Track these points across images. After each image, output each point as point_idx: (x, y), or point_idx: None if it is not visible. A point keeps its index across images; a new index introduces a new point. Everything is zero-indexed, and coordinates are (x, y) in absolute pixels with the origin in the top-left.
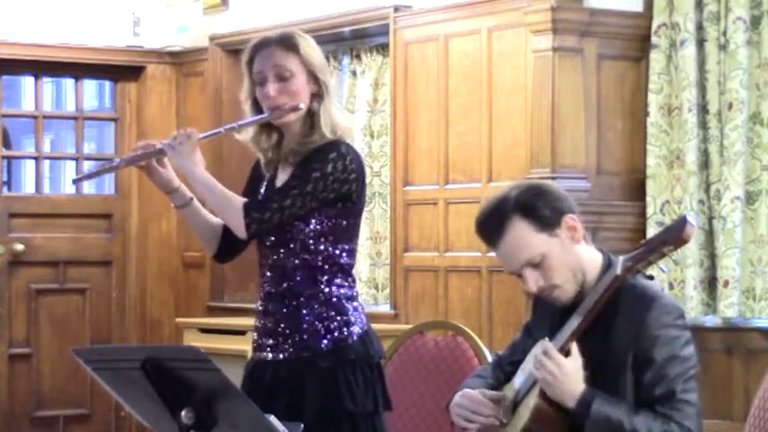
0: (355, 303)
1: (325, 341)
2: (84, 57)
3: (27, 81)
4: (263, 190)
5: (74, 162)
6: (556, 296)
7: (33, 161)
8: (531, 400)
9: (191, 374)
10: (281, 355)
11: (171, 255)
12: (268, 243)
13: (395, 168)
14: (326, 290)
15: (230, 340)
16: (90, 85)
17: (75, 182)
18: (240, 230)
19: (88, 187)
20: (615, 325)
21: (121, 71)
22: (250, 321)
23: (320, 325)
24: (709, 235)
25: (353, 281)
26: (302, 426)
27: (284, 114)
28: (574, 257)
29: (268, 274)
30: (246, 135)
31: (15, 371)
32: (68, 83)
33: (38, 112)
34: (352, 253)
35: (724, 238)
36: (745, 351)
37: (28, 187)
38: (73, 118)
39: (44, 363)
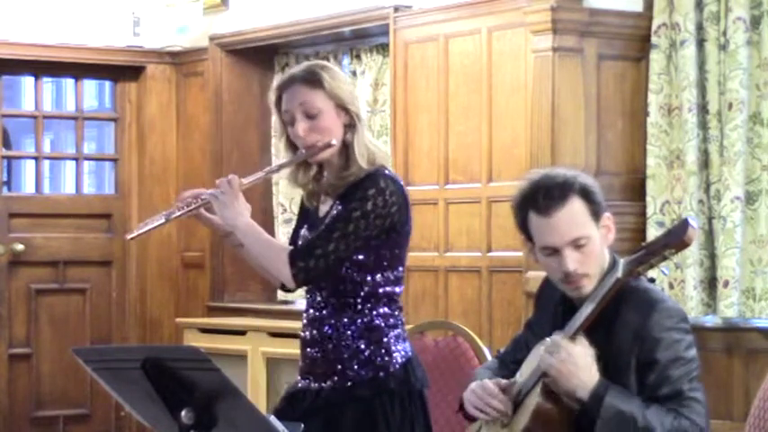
0: (397, 331)
1: (364, 371)
2: (84, 57)
3: (27, 81)
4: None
5: (74, 162)
6: (582, 285)
7: (33, 161)
8: (533, 400)
9: (191, 374)
10: (321, 384)
11: (171, 255)
12: None
13: (395, 168)
14: (367, 319)
15: (230, 340)
16: (90, 85)
17: (132, 239)
18: (288, 281)
19: (88, 187)
20: (617, 328)
21: (121, 71)
22: (250, 321)
23: (360, 354)
24: (709, 235)
25: (399, 309)
26: (302, 426)
27: (319, 152)
28: (603, 255)
29: (313, 300)
30: (282, 173)
31: (15, 371)
32: (68, 83)
33: (38, 112)
34: (397, 281)
35: (724, 238)
36: (745, 351)
37: (28, 187)
38: (73, 118)
39: (44, 363)
